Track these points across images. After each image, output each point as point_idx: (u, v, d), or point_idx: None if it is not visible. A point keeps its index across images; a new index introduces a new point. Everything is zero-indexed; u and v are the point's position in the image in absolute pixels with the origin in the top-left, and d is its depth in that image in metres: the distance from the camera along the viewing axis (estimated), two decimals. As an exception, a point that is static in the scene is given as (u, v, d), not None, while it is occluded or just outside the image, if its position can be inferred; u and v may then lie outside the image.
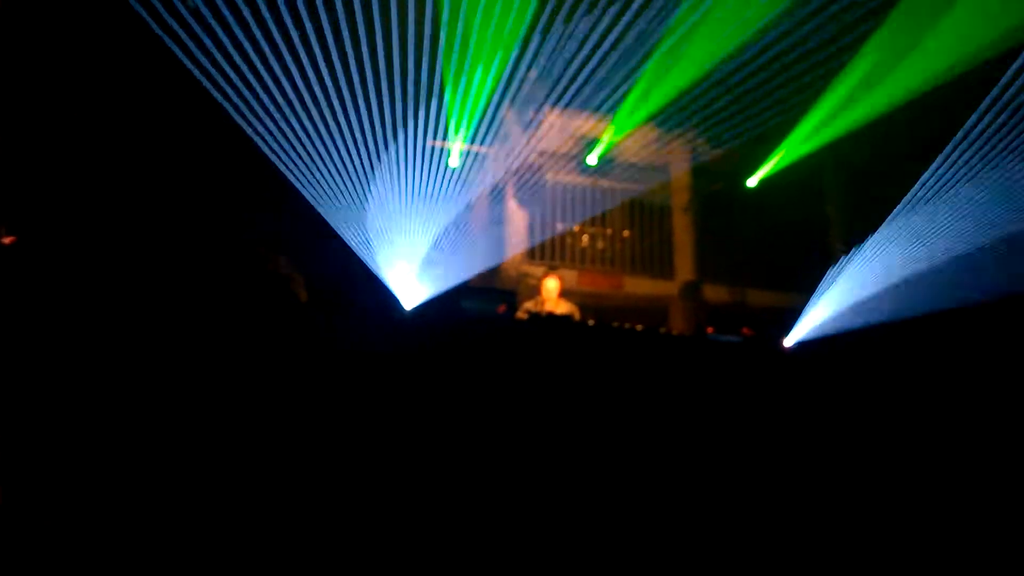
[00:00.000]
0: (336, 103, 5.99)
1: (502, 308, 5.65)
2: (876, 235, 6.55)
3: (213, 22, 5.38)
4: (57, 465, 3.24)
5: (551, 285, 6.16)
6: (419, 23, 6.07)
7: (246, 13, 5.51)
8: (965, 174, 6.35)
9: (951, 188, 6.40)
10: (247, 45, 5.56)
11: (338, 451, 3.59)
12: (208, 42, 5.40)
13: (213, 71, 5.49)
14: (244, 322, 3.99)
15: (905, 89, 7.04)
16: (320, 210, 6.05)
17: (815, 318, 6.30)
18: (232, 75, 5.57)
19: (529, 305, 6.22)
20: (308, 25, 5.76)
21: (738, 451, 3.98)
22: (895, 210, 6.56)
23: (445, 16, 6.48)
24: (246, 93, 5.63)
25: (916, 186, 6.47)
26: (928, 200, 6.46)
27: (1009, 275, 6.18)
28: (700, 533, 3.68)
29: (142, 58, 5.82)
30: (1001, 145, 6.21)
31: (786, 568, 3.64)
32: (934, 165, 6.37)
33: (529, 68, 6.94)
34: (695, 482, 3.84)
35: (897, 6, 6.66)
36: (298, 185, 6.09)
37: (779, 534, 3.72)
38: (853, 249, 6.60)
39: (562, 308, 6.09)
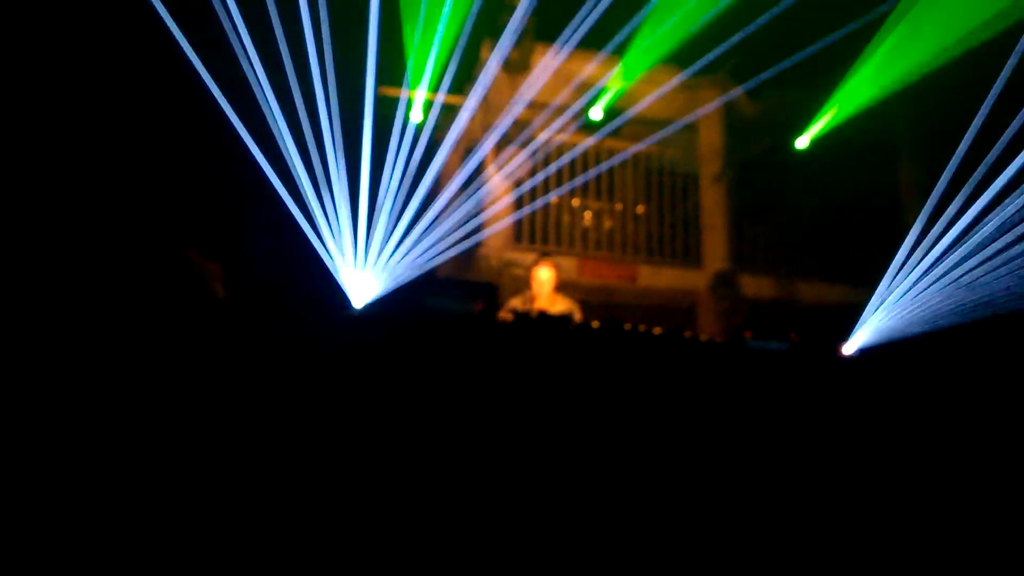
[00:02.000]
0: (265, 36, 5.97)
1: (479, 306, 5.64)
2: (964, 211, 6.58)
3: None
4: None
5: (544, 276, 6.19)
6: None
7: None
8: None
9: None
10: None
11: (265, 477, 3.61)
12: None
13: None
14: (141, 320, 3.99)
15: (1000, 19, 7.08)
16: (244, 181, 6.03)
17: (883, 318, 6.34)
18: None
19: (516, 303, 6.24)
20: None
21: (784, 487, 4.00)
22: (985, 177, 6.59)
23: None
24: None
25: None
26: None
27: None
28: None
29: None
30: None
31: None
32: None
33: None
34: (735, 535, 3.85)
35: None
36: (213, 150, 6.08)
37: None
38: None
39: (558, 306, 6.11)
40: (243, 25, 5.90)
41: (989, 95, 6.44)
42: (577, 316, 5.92)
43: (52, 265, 4.22)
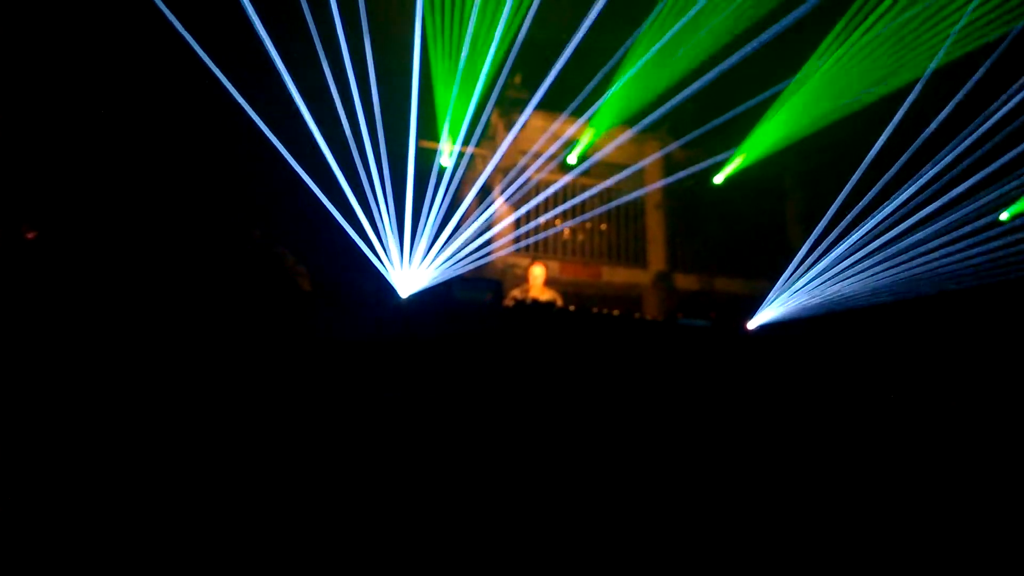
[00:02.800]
0: (338, 106, 6.01)
1: (489, 296, 5.70)
2: (829, 231, 6.67)
3: (220, 24, 5.39)
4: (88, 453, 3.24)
5: (537, 272, 6.21)
6: (404, 42, 6.12)
7: (255, 20, 5.52)
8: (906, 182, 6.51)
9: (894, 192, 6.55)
10: (252, 46, 5.57)
11: (340, 434, 3.63)
12: (215, 45, 5.39)
13: (219, 73, 5.49)
14: (252, 311, 4.02)
15: (854, 99, 7.18)
16: (323, 206, 6.05)
17: (776, 305, 6.41)
18: (236, 77, 5.57)
19: (516, 293, 6.28)
20: (318, 33, 5.78)
21: (705, 426, 4.07)
22: (846, 208, 6.68)
23: (436, 31, 6.53)
24: (252, 93, 5.64)
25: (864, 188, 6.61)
26: (874, 201, 6.61)
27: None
28: (668, 506, 3.76)
29: (153, 57, 5.81)
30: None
31: (730, 532, 3.72)
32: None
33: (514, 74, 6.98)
34: (666, 455, 3.91)
35: (847, 22, 6.78)
36: (302, 181, 6.10)
37: (734, 505, 3.81)
38: None
39: (546, 295, 6.16)
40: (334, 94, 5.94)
41: (870, 151, 6.53)
42: (559, 303, 5.97)
43: (190, 269, 4.23)
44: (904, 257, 6.51)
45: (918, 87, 6.33)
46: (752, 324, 6.01)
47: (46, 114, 5.63)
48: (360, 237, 6.00)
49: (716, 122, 7.47)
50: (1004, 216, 7.12)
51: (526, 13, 6.41)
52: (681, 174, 9.84)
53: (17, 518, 2.99)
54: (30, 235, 4.87)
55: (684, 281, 9.92)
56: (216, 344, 3.72)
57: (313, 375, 3.74)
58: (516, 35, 6.53)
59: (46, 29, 5.71)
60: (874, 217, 6.52)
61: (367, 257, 6.05)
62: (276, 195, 6.58)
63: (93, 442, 3.22)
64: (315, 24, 5.81)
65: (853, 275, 6.54)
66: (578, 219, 9.65)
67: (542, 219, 9.28)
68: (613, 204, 9.93)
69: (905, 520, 3.81)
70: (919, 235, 6.52)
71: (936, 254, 6.47)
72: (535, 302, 5.66)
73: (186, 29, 5.20)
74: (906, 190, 6.45)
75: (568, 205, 9.35)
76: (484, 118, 7.08)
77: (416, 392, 3.81)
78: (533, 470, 3.71)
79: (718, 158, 8.86)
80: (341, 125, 6.09)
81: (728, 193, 9.18)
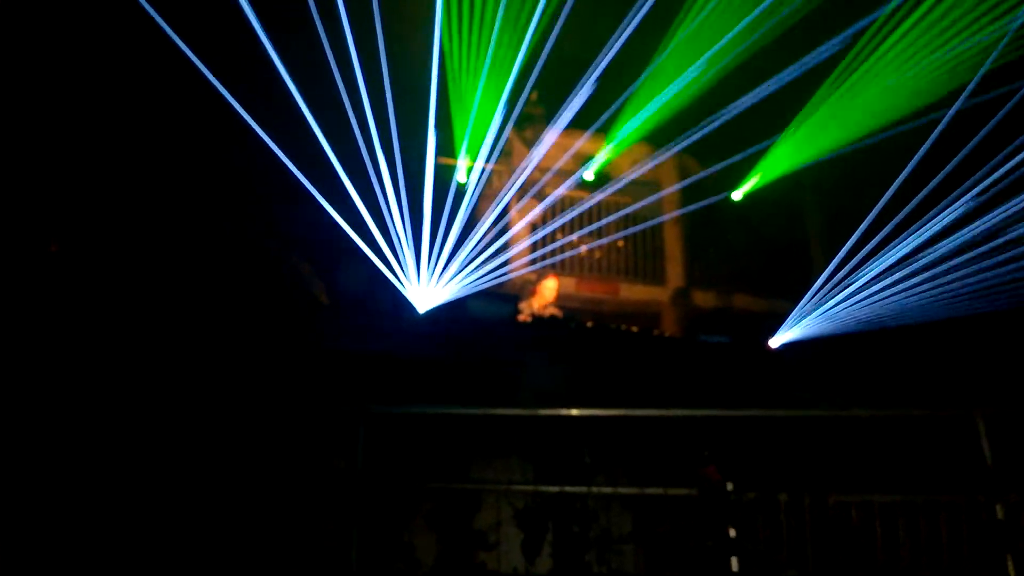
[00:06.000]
0: (357, 123, 6.01)
1: (506, 313, 5.64)
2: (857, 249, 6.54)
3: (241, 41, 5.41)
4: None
5: (550, 285, 6.07)
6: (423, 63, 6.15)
7: (284, 42, 5.56)
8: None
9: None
10: (279, 70, 5.59)
11: (353, 440, 3.59)
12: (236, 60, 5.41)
13: (244, 90, 5.51)
14: (268, 321, 4.00)
15: (873, 120, 7.11)
16: (342, 222, 6.04)
17: (799, 323, 6.29)
18: (263, 97, 5.59)
19: (526, 307, 6.20)
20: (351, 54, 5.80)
21: (725, 440, 3.97)
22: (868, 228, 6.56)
23: (453, 49, 6.54)
24: (279, 113, 5.66)
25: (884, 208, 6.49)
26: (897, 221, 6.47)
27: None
28: (681, 517, 3.66)
29: (173, 68, 5.84)
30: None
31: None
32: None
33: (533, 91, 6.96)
34: (680, 469, 3.82)
35: (872, 38, 6.72)
36: (322, 198, 6.09)
37: (750, 515, 3.70)
38: None
39: (550, 312, 6.04)
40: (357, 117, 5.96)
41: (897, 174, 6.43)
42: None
43: (209, 280, 4.23)
44: (932, 275, 6.34)
45: (955, 105, 6.20)
46: (775, 342, 5.89)
47: (71, 126, 5.67)
48: (377, 253, 5.98)
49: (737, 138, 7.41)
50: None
51: (544, 30, 6.39)
52: (693, 181, 9.78)
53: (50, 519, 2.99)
54: (53, 248, 4.90)
55: (702, 298, 9.80)
56: (233, 353, 3.72)
57: (325, 380, 3.72)
58: (534, 52, 6.51)
59: (63, 39, 5.77)
60: (904, 235, 6.37)
61: (385, 273, 6.02)
62: (297, 211, 6.60)
63: (106, 444, 3.23)
64: (333, 43, 5.83)
65: (882, 295, 6.38)
66: (590, 232, 9.60)
67: (559, 236, 9.22)
68: (630, 223, 9.87)
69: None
70: (946, 252, 6.36)
71: (963, 272, 6.30)
72: (553, 317, 5.58)
73: (206, 54, 5.23)
74: (936, 206, 6.31)
75: (584, 219, 9.28)
76: (501, 135, 7.04)
77: (430, 399, 3.76)
78: (547, 485, 3.63)
79: (737, 175, 8.79)
80: (359, 142, 6.09)
81: (747, 209, 9.08)
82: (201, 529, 3.17)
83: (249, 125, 5.55)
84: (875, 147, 7.06)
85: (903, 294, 6.34)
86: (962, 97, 6.23)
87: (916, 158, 6.19)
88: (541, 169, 8.54)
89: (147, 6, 4.85)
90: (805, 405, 4.11)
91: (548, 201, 8.69)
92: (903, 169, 6.27)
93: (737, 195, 8.90)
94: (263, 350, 3.81)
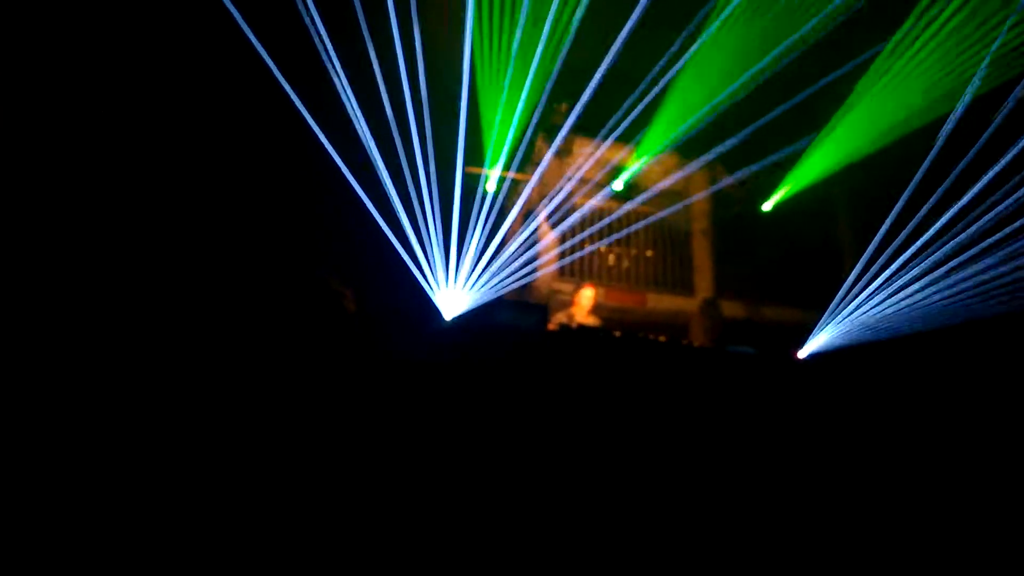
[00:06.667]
0: (381, 129, 6.09)
1: (534, 321, 5.64)
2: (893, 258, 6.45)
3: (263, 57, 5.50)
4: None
5: (588, 294, 6.14)
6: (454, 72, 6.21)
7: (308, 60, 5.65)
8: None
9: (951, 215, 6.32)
10: (302, 85, 5.68)
11: (381, 449, 3.62)
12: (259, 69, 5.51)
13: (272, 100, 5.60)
14: (297, 331, 4.05)
15: (907, 122, 7.01)
16: (369, 229, 6.11)
17: (827, 333, 6.22)
18: (290, 104, 5.68)
19: (561, 317, 6.23)
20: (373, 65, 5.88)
21: (752, 455, 3.94)
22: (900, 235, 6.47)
23: (483, 62, 6.60)
24: (305, 120, 5.74)
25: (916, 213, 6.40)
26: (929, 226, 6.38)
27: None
28: (713, 529, 3.64)
29: (195, 78, 5.95)
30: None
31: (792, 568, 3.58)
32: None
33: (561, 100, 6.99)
34: (711, 483, 3.81)
35: (900, 42, 6.64)
36: (348, 206, 6.16)
37: (785, 533, 3.68)
38: None
39: (590, 321, 6.09)
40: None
41: (913, 177, 6.35)
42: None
43: (234, 289, 4.29)
44: (965, 281, 6.24)
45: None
46: (803, 352, 5.83)
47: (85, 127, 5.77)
48: (410, 259, 6.04)
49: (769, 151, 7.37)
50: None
51: (575, 41, 6.43)
52: (729, 201, 9.72)
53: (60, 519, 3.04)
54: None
55: (731, 308, 9.72)
56: (262, 363, 3.76)
57: (355, 392, 3.75)
58: (562, 61, 6.55)
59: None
60: (937, 242, 6.28)
61: (412, 280, 6.07)
62: (334, 221, 6.68)
63: (128, 451, 3.28)
64: (376, 49, 5.92)
65: (913, 302, 6.29)
66: (618, 242, 9.58)
67: (587, 245, 9.22)
68: (658, 232, 9.83)
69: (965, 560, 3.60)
70: (976, 254, 6.26)
71: (996, 272, 6.18)
72: (581, 327, 5.60)
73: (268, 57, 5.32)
74: (965, 211, 6.21)
75: (613, 229, 9.28)
76: (529, 144, 7.08)
77: (457, 412, 3.78)
78: (577, 497, 3.63)
79: (767, 185, 8.73)
80: (395, 149, 6.17)
81: (777, 218, 9.00)
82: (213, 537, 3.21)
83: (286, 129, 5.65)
84: (907, 152, 6.97)
85: (936, 299, 6.25)
86: (1010, 99, 6.12)
87: (959, 162, 6.10)
88: (570, 179, 8.57)
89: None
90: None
91: (578, 212, 8.71)
92: (936, 174, 6.19)
93: (767, 206, 8.84)
94: (290, 359, 3.86)
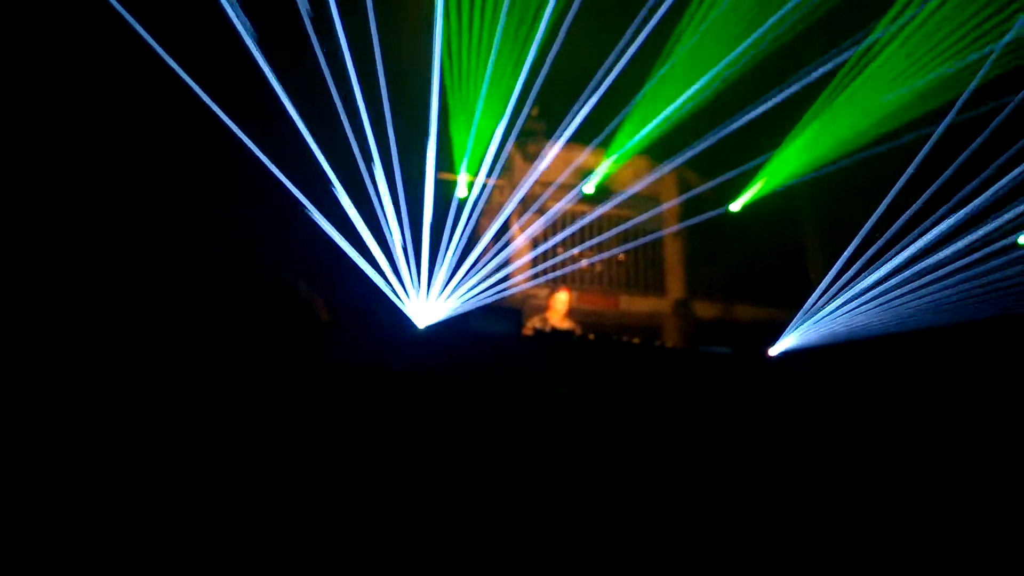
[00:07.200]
0: (354, 138, 6.05)
1: (507, 326, 5.62)
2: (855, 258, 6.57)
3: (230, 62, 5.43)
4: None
5: (562, 297, 6.16)
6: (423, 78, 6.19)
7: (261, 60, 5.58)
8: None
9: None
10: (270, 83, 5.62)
11: (354, 458, 3.59)
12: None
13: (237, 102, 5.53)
14: (268, 340, 4.01)
15: (869, 131, 7.17)
16: (341, 237, 6.05)
17: (797, 332, 6.30)
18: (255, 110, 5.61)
19: (535, 322, 6.23)
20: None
21: (727, 451, 3.98)
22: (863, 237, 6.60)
23: (453, 64, 6.59)
24: (271, 126, 5.68)
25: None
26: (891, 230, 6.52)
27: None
28: (691, 529, 3.66)
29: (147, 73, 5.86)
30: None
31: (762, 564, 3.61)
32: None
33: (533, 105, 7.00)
34: (687, 481, 3.83)
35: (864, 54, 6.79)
36: (320, 215, 6.11)
37: (761, 531, 3.70)
38: None
39: (565, 325, 6.10)
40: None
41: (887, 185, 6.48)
42: (578, 332, 5.92)
43: (205, 298, 4.24)
44: (925, 283, 6.39)
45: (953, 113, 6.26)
46: (774, 351, 5.90)
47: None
48: (383, 267, 5.99)
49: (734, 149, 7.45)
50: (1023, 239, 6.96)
51: (545, 45, 6.44)
52: (693, 192, 9.81)
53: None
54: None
55: (703, 309, 9.81)
56: (233, 373, 3.71)
57: (325, 401, 3.71)
58: (535, 67, 6.56)
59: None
60: (899, 244, 6.42)
61: (385, 288, 6.02)
62: (294, 225, 6.61)
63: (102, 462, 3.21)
64: (329, 55, 5.86)
65: (878, 302, 6.41)
66: (591, 245, 9.62)
67: (560, 249, 9.24)
68: (630, 235, 9.89)
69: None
70: (940, 259, 6.40)
71: (957, 278, 6.34)
72: (555, 331, 5.60)
73: (195, 72, 5.24)
74: (929, 214, 6.35)
75: (585, 232, 9.31)
76: (501, 150, 7.08)
77: (432, 417, 3.76)
78: (552, 501, 3.63)
79: (735, 186, 8.81)
80: (354, 156, 6.11)
81: (746, 220, 9.09)
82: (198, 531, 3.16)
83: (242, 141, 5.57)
84: (869, 158, 7.13)
85: (900, 301, 6.38)
86: (955, 108, 6.29)
87: (912, 166, 6.25)
88: (542, 183, 8.57)
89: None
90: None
91: (549, 215, 8.72)
92: (898, 178, 6.33)
93: (735, 207, 8.92)
94: (264, 369, 3.80)
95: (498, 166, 7.50)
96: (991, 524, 3.75)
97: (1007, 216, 6.37)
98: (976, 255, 6.38)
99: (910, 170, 6.25)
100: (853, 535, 3.72)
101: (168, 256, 5.42)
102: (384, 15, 6.01)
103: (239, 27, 5.42)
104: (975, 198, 6.28)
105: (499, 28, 6.54)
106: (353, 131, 6.03)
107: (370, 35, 5.97)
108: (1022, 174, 6.20)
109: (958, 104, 6.27)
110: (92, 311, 3.78)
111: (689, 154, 7.88)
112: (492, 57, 6.67)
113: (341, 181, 6.02)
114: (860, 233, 6.46)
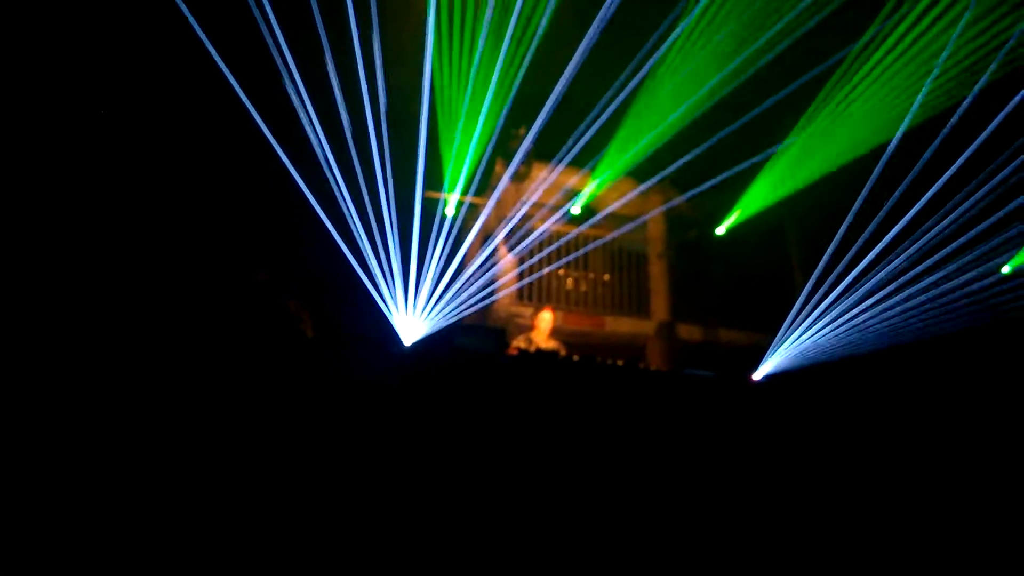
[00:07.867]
0: (341, 153, 6.06)
1: (492, 346, 5.61)
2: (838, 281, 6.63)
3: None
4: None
5: (547, 317, 6.16)
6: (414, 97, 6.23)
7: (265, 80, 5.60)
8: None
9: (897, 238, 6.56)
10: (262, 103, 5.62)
11: (338, 473, 3.57)
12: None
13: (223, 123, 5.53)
14: (255, 355, 3.98)
15: (854, 146, 7.25)
16: (328, 254, 6.04)
17: (780, 356, 6.33)
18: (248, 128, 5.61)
19: (520, 342, 6.22)
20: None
21: (709, 474, 3.98)
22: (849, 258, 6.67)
23: (442, 86, 6.63)
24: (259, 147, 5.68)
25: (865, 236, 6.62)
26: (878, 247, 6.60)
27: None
28: (675, 551, 3.65)
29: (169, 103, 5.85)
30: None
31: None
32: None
33: (519, 125, 7.04)
34: (670, 502, 3.82)
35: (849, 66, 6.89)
36: (306, 230, 6.09)
37: (742, 554, 3.70)
38: None
39: (550, 345, 6.10)
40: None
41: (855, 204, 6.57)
42: (562, 352, 5.92)
43: (196, 313, 4.22)
44: (906, 307, 6.46)
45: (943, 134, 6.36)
46: (758, 375, 5.92)
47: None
48: (368, 285, 5.98)
49: (719, 174, 7.53)
50: (1006, 269, 7.06)
51: (531, 66, 6.50)
52: (684, 225, 9.88)
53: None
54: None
55: (688, 331, 9.83)
56: (219, 389, 3.68)
57: (312, 417, 3.69)
58: (520, 87, 6.61)
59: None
60: (878, 266, 6.49)
61: (371, 304, 6.01)
62: (287, 238, 6.60)
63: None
64: (318, 71, 5.90)
65: (859, 323, 6.47)
66: (576, 266, 9.65)
67: (545, 270, 9.26)
68: (615, 256, 9.93)
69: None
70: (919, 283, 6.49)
71: (938, 303, 6.42)
72: (539, 351, 5.60)
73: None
74: (906, 237, 6.44)
75: (571, 253, 9.34)
76: (488, 169, 7.11)
77: (417, 437, 3.74)
78: (535, 520, 3.61)
79: (720, 210, 8.89)
80: (354, 173, 6.12)
81: (732, 242, 9.16)
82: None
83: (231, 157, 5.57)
84: (853, 176, 7.21)
85: (883, 320, 6.45)
86: (946, 127, 6.40)
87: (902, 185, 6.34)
88: (528, 203, 8.61)
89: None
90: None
91: (534, 235, 8.75)
92: (880, 197, 6.43)
93: (721, 230, 9.00)
94: (250, 387, 3.78)
95: (485, 186, 7.53)
96: (973, 546, 3.77)
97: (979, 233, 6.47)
98: (964, 276, 6.46)
99: (895, 195, 6.35)
100: (835, 557, 3.73)
101: (155, 272, 5.39)
102: (381, 36, 6.07)
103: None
104: (956, 219, 6.38)
105: (488, 49, 6.60)
106: (354, 149, 6.06)
107: (372, 55, 6.01)
108: (1001, 193, 6.31)
109: (950, 123, 6.36)
110: (83, 320, 3.75)
111: (670, 169, 7.97)
112: (480, 78, 6.72)
113: (329, 200, 6.02)
114: (826, 252, 6.54)
